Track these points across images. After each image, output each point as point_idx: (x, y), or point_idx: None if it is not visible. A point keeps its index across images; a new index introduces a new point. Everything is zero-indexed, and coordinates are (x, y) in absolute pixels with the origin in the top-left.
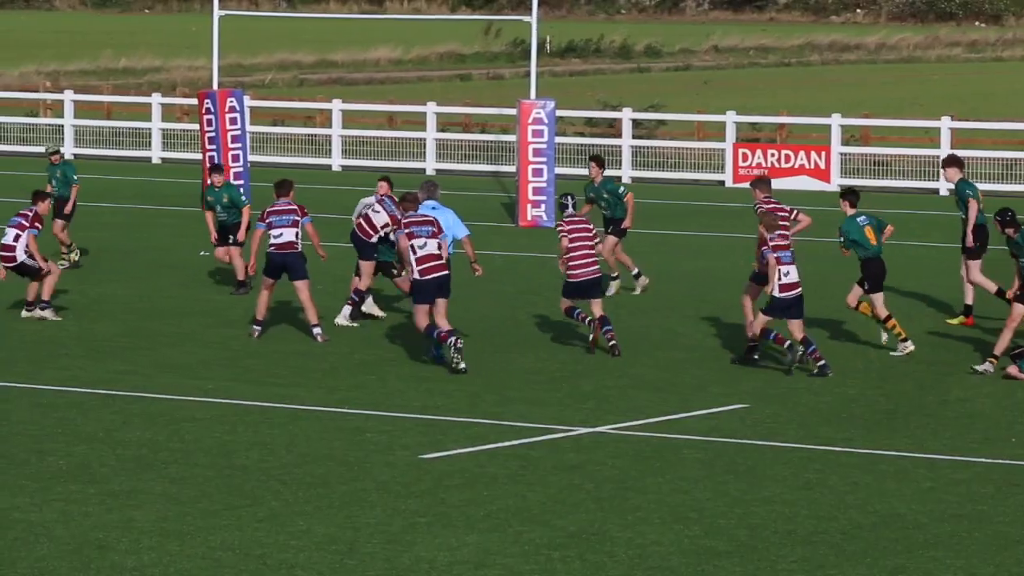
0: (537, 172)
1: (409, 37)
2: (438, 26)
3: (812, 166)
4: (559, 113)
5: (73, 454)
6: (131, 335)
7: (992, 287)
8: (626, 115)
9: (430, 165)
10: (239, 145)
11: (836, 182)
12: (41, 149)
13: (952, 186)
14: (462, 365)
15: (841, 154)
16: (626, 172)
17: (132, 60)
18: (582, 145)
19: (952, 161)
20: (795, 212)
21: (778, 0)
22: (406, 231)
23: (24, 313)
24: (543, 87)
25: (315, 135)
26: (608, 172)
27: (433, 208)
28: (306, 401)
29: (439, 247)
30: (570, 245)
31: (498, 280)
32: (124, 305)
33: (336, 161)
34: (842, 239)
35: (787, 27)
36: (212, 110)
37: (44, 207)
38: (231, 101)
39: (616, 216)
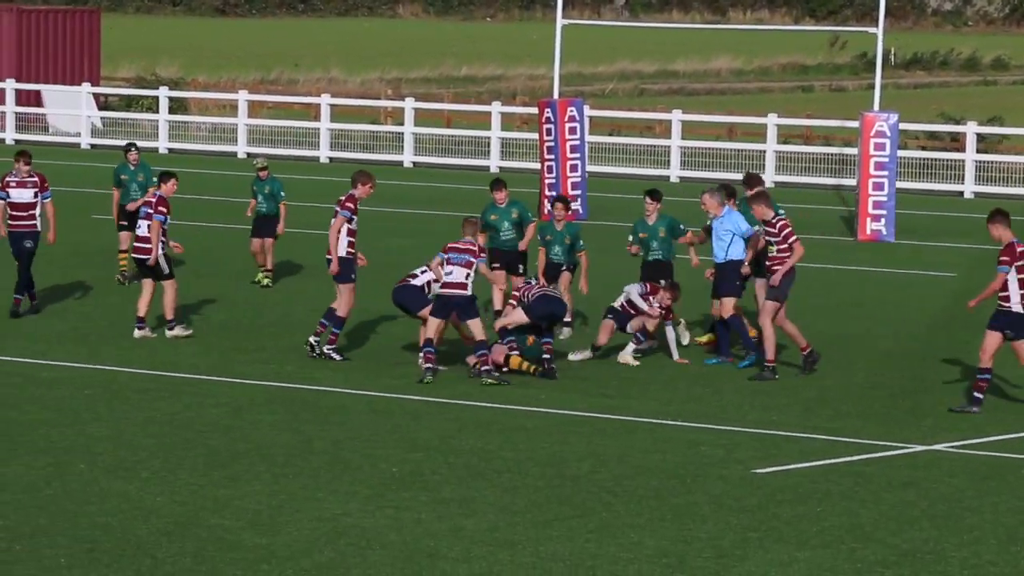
0: (878, 186)
1: (751, 47)
2: (781, 37)
3: None
4: (901, 126)
5: (406, 461)
6: (459, 342)
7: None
8: (970, 129)
9: (769, 177)
10: (578, 155)
11: None
12: (382, 157)
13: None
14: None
15: None
16: (968, 187)
17: (473, 68)
18: (924, 159)
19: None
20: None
21: None
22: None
23: (137, 333)
24: (886, 99)
25: (654, 146)
26: (949, 186)
27: (728, 210)
28: (639, 413)
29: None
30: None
31: (824, 294)
32: None
33: (674, 172)
34: (632, 238)
35: None
36: (552, 119)
37: (169, 187)
38: (571, 110)
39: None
